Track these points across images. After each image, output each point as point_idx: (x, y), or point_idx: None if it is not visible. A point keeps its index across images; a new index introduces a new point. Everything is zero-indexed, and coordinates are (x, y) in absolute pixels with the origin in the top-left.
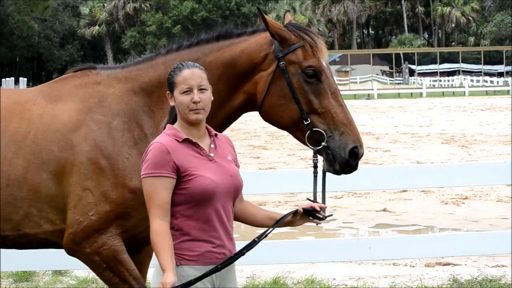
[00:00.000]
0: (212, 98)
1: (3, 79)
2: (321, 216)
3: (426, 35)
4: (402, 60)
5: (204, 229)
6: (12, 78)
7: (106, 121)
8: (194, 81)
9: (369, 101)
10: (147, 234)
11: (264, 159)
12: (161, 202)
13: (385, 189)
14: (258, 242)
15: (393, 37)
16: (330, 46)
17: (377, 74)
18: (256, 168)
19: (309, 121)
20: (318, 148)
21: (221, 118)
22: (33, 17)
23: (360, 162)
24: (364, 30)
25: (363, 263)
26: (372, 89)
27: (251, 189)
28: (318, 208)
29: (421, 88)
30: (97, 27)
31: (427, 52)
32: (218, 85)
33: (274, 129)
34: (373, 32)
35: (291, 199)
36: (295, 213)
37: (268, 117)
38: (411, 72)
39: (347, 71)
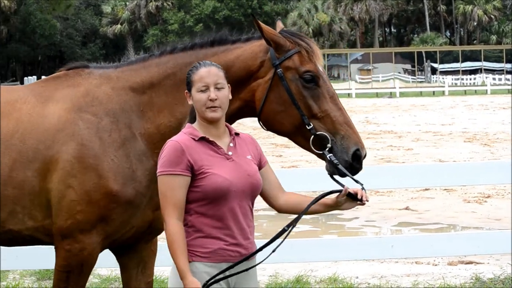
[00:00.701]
0: (230, 96)
1: (25, 78)
2: (364, 200)
3: (448, 34)
4: (424, 59)
5: (217, 226)
6: (34, 77)
7: (95, 121)
8: (210, 79)
9: (391, 100)
10: (130, 236)
11: (287, 157)
12: (176, 201)
13: (407, 187)
14: (294, 224)
15: (415, 35)
16: (352, 45)
17: (399, 73)
18: (278, 166)
19: (312, 125)
20: (324, 151)
21: None
22: (55, 15)
23: (382, 161)
24: (386, 29)
25: (386, 261)
26: (394, 88)
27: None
28: (360, 195)
29: (443, 86)
30: (119, 26)
31: (449, 51)
32: None
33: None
34: (395, 30)
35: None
36: (340, 192)
37: (268, 125)
38: (433, 71)
39: (369, 70)
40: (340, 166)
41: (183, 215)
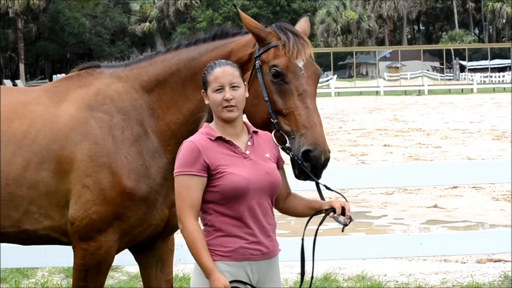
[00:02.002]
0: (247, 94)
1: (54, 76)
2: (342, 222)
3: (477, 31)
4: (453, 56)
5: (237, 225)
6: (63, 75)
7: (107, 119)
8: (225, 79)
9: (420, 97)
10: (148, 234)
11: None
12: (192, 201)
13: (436, 185)
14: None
15: (444, 33)
16: (381, 42)
17: (428, 70)
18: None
19: (276, 121)
20: (282, 147)
21: None
22: (84, 13)
23: (410, 158)
24: (414, 26)
25: (414, 259)
26: (423, 85)
27: (302, 185)
28: (346, 212)
29: (472, 84)
30: (147, 24)
31: (477, 48)
32: None
33: (325, 125)
34: (423, 28)
35: None
36: (334, 211)
37: (247, 117)
38: (462, 68)
39: (398, 67)
40: (306, 169)
41: (198, 215)
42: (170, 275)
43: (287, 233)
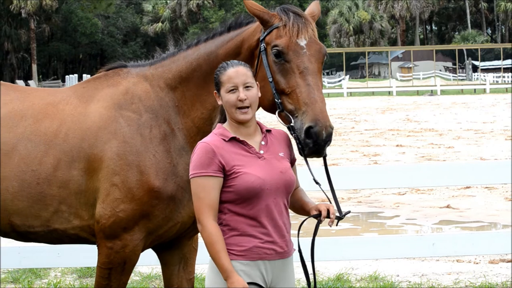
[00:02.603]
0: (259, 94)
1: (66, 76)
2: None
3: (490, 31)
4: (465, 56)
5: (252, 224)
6: (76, 75)
7: (135, 117)
8: (238, 79)
9: (432, 97)
10: (175, 232)
11: (328, 155)
12: (210, 202)
13: (448, 185)
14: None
15: (456, 33)
16: (393, 43)
17: (440, 70)
18: (319, 164)
19: (280, 101)
20: (288, 126)
21: None
22: (96, 14)
23: (423, 159)
24: (427, 26)
25: (427, 259)
26: (435, 85)
27: (315, 185)
28: (330, 215)
29: (485, 84)
30: (160, 24)
31: (490, 48)
32: None
33: (337, 125)
34: (436, 28)
35: (354, 195)
36: (319, 215)
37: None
38: (474, 68)
39: (410, 67)
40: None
41: (217, 216)
42: (192, 274)
43: (301, 233)
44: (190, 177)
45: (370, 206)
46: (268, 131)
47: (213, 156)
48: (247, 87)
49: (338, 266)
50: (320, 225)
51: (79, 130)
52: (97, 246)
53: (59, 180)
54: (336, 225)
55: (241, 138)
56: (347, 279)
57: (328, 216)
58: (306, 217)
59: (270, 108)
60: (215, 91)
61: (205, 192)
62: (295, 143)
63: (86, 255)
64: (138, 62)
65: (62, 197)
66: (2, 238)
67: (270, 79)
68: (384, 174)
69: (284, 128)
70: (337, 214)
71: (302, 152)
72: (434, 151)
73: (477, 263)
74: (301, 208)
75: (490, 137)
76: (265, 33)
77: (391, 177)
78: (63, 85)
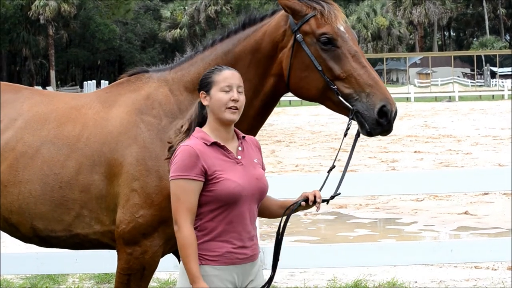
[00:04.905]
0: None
1: (84, 82)
2: (318, 202)
3: (508, 37)
4: (484, 62)
5: (226, 230)
6: (94, 81)
7: (155, 122)
8: (234, 81)
9: (450, 104)
10: None
11: (345, 161)
12: (189, 205)
13: (466, 191)
14: (281, 238)
15: (475, 39)
16: (411, 49)
17: (458, 77)
18: (337, 170)
19: (336, 86)
20: (350, 111)
21: (258, 106)
22: (114, 20)
23: (441, 165)
24: (445, 32)
25: (445, 266)
26: (453, 92)
27: (332, 192)
28: (317, 199)
29: (503, 90)
30: (178, 30)
31: (508, 54)
32: (249, 73)
33: (354, 131)
34: (454, 34)
35: (372, 202)
36: (306, 201)
37: (297, 92)
38: (493, 74)
39: (428, 74)
40: (366, 124)
41: (194, 220)
42: None
43: (318, 240)
44: (170, 178)
45: (388, 213)
46: (243, 137)
47: (197, 160)
48: (240, 91)
49: (356, 272)
50: (313, 211)
51: (101, 134)
52: (116, 251)
53: (80, 184)
54: (327, 203)
55: (221, 143)
56: (364, 286)
57: (314, 201)
58: (292, 205)
59: (319, 95)
60: (203, 91)
61: (186, 195)
62: (359, 126)
63: (104, 261)
64: (160, 66)
65: (83, 202)
66: (21, 243)
67: (320, 68)
68: (402, 181)
69: (333, 118)
70: (324, 198)
71: (371, 132)
72: (452, 157)
73: (495, 270)
74: (280, 207)
75: (508, 143)
76: (300, 23)
77: (409, 183)
78: (81, 91)
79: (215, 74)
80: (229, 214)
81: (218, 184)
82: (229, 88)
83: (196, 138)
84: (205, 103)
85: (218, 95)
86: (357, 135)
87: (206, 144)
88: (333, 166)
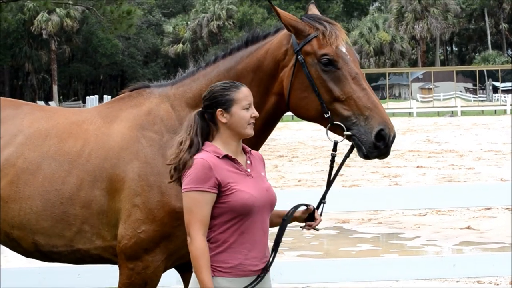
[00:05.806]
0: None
1: (87, 97)
2: (313, 225)
3: (510, 52)
4: (486, 77)
5: (239, 242)
6: (96, 96)
7: (157, 138)
8: (251, 98)
9: (453, 118)
10: None
11: (348, 176)
12: (202, 218)
13: (469, 206)
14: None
15: (477, 54)
16: (413, 63)
17: (461, 91)
18: (339, 185)
19: (329, 114)
20: (343, 138)
21: (259, 124)
22: (117, 35)
23: (443, 180)
24: (447, 47)
25: (447, 280)
26: (456, 106)
27: (334, 207)
28: (317, 218)
29: (505, 105)
30: (180, 45)
31: (510, 69)
32: (251, 91)
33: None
34: (456, 49)
35: (375, 217)
36: (307, 207)
37: (296, 112)
38: (495, 89)
39: (431, 89)
40: (363, 148)
41: (207, 232)
42: None
43: (320, 255)
44: (183, 190)
45: (391, 227)
46: (250, 151)
47: (210, 172)
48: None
49: (358, 287)
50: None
51: (102, 150)
52: (118, 267)
53: (82, 200)
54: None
55: (232, 156)
56: None
57: (312, 215)
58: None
59: (318, 117)
60: (221, 109)
61: (199, 207)
62: (356, 148)
63: (107, 276)
64: (161, 82)
65: (85, 217)
66: (22, 257)
67: (316, 90)
68: (404, 195)
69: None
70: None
71: (368, 156)
72: (454, 172)
73: (497, 284)
74: (276, 216)
75: (511, 158)
76: (302, 43)
77: (412, 198)
78: (83, 106)
79: (234, 92)
80: (242, 225)
81: (232, 195)
82: (249, 105)
83: (207, 151)
84: (223, 120)
85: (241, 113)
86: (350, 151)
87: (218, 157)
88: (324, 202)
